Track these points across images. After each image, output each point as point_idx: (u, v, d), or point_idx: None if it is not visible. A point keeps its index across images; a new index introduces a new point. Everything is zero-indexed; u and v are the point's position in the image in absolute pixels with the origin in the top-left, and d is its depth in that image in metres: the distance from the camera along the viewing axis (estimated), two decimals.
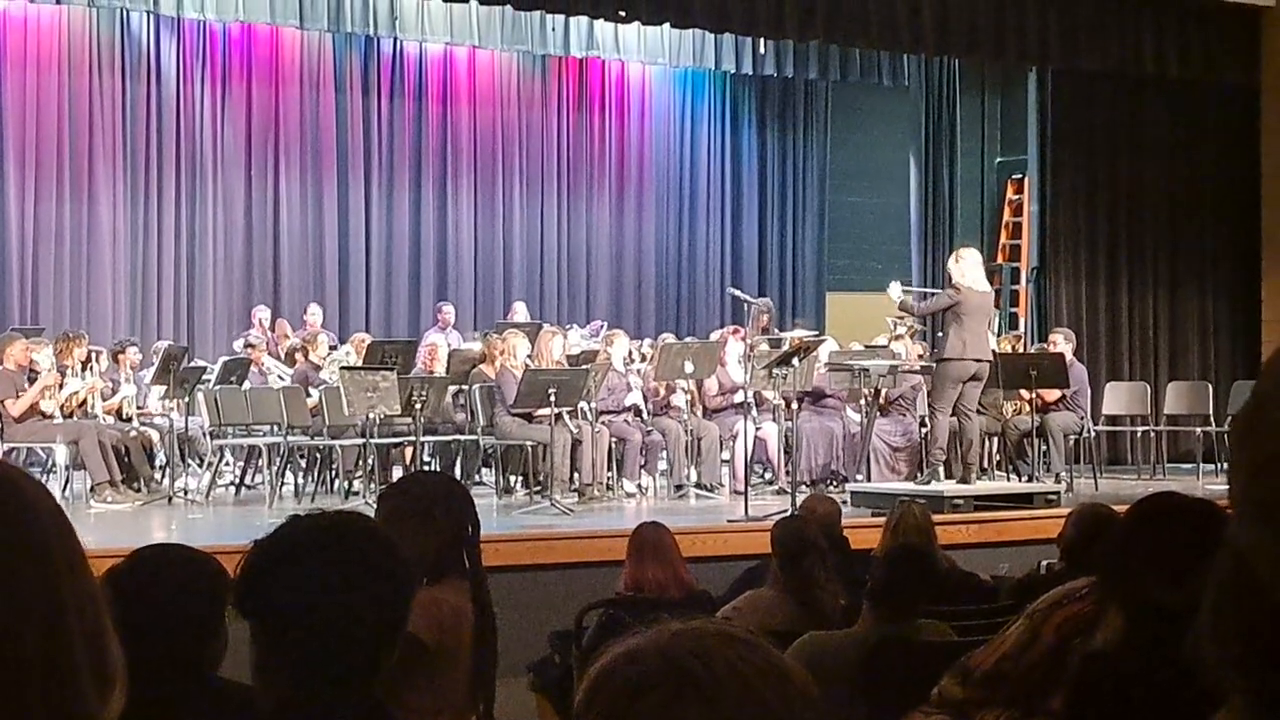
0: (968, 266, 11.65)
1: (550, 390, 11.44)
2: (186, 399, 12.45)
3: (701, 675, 1.26)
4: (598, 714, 1.29)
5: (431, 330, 15.93)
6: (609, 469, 12.33)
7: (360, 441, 11.78)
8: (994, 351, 13.35)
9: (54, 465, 11.71)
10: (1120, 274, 16.01)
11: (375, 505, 3.96)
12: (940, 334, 12.36)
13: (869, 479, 12.34)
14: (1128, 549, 2.85)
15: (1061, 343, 13.59)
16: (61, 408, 11.92)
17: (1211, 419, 14.19)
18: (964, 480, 11.65)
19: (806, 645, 4.77)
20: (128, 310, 16.43)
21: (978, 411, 12.70)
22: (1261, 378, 1.03)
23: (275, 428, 12.40)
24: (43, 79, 16.07)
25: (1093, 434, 13.78)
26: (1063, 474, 13.00)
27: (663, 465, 12.82)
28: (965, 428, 11.64)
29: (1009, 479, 13.10)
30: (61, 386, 11.96)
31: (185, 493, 12.05)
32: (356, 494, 11.88)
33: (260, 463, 12.70)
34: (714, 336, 14.37)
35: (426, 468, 12.87)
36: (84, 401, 12.13)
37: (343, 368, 12.21)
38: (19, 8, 15.69)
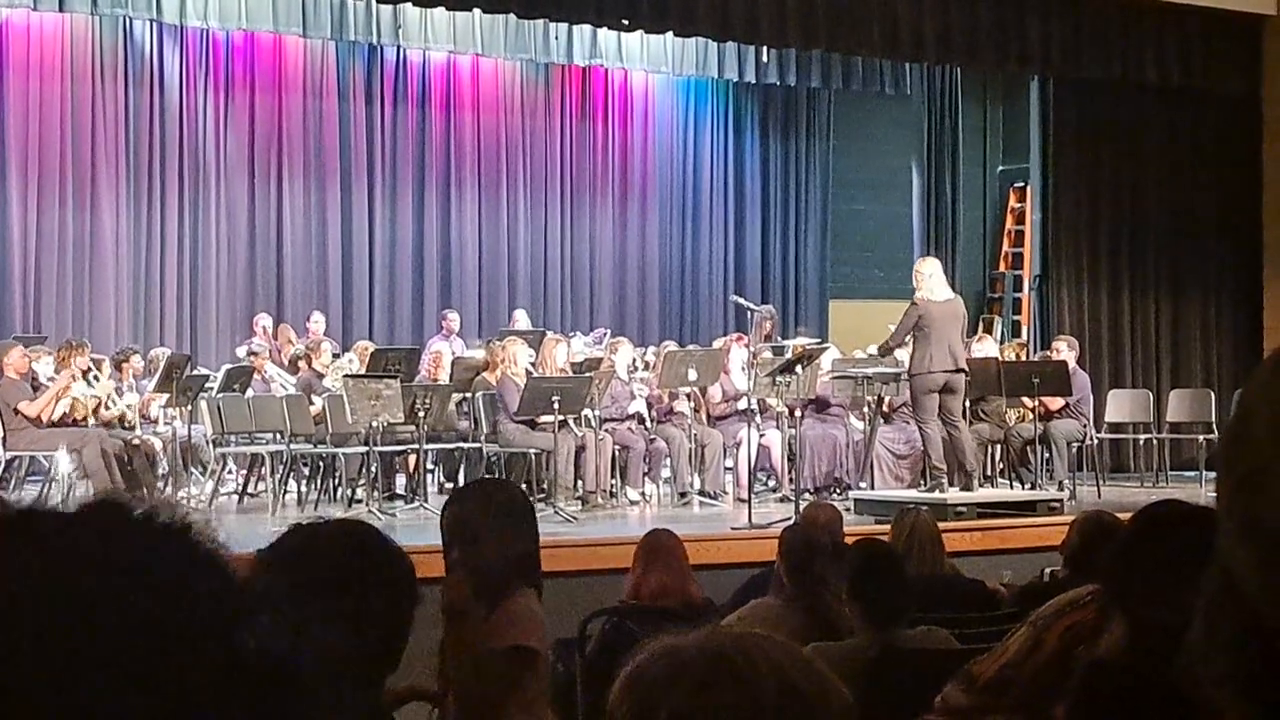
0: (926, 278, 11.59)
1: (554, 397, 11.45)
2: (189, 407, 12.46)
3: (740, 663, 1.27)
4: (633, 703, 1.29)
5: (436, 338, 15.94)
6: (613, 476, 12.33)
7: (364, 449, 11.78)
8: (997, 360, 13.38)
9: (57, 474, 11.71)
10: (1122, 281, 16.02)
11: (467, 496, 3.96)
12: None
13: (872, 486, 12.35)
14: (1131, 557, 2.85)
15: (1065, 350, 13.58)
16: (71, 411, 11.90)
17: (1214, 426, 14.18)
18: (966, 488, 11.63)
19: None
20: (130, 318, 16.43)
21: (980, 418, 12.72)
22: (1245, 393, 1.03)
23: (278, 435, 12.41)
24: (46, 87, 16.08)
25: (1095, 441, 13.78)
26: (1066, 481, 12.98)
27: (666, 473, 12.82)
28: (954, 438, 11.57)
29: (1012, 487, 13.09)
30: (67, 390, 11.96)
31: (188, 501, 12.06)
32: (359, 502, 11.88)
33: (263, 471, 12.70)
34: (717, 344, 14.37)
35: (430, 475, 12.89)
36: (96, 408, 12.14)
37: (346, 375, 12.22)
38: (22, 15, 15.70)
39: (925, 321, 11.35)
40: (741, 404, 12.88)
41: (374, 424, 11.37)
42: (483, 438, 12.39)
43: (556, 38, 16.81)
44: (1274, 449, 0.97)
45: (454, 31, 16.48)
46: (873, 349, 12.56)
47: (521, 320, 16.57)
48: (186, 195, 16.71)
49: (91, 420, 12.03)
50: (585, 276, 18.82)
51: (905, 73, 18.02)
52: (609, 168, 18.95)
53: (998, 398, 12.97)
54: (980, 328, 17.08)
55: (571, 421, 11.94)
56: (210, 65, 16.82)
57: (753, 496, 11.56)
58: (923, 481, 12.02)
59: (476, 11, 14.45)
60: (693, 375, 12.44)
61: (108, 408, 12.36)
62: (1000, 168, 18.53)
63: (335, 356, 14.06)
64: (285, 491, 12.39)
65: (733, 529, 10.58)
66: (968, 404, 12.27)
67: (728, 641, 1.30)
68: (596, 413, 12.29)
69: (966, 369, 11.66)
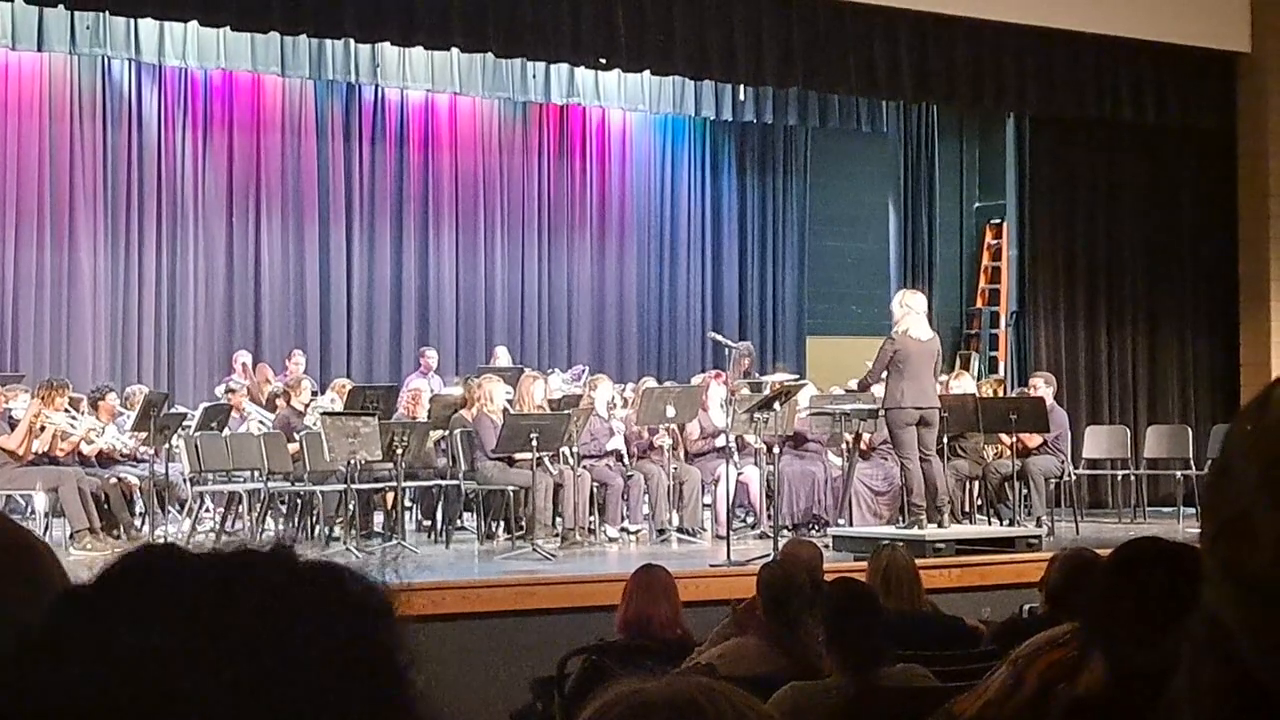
0: (911, 312, 11.59)
1: (532, 435, 11.44)
2: (167, 445, 12.41)
3: (705, 707, 1.28)
4: None
5: (414, 375, 15.92)
6: (591, 514, 12.31)
7: (341, 487, 11.74)
8: (974, 396, 13.42)
9: (33, 512, 11.66)
10: (1099, 318, 16.07)
11: None
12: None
13: (850, 523, 12.34)
14: (1110, 595, 2.85)
15: (1042, 386, 13.61)
16: (52, 447, 11.85)
17: (1191, 462, 14.22)
18: (938, 524, 11.58)
19: (789, 695, 4.74)
20: (108, 357, 16.38)
21: (958, 454, 12.73)
22: (1227, 437, 1.04)
23: (256, 473, 12.36)
24: (24, 126, 16.06)
25: (1073, 477, 13.80)
26: (1044, 518, 13.00)
27: (645, 509, 12.80)
28: (926, 472, 11.57)
29: (990, 523, 13.10)
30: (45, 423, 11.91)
31: (165, 539, 11.97)
32: (337, 540, 11.84)
33: (241, 509, 12.66)
34: (696, 381, 14.38)
35: (408, 512, 12.85)
36: (76, 445, 12.10)
37: (324, 413, 12.18)
38: None
39: (901, 358, 11.37)
40: (720, 440, 12.88)
41: (352, 462, 11.34)
42: (461, 475, 12.37)
43: (534, 76, 16.83)
44: (1255, 496, 0.97)
45: (432, 70, 16.50)
46: (853, 384, 12.59)
47: (502, 357, 16.56)
48: (165, 234, 16.68)
49: (73, 453, 12.01)
50: (563, 314, 18.83)
51: (882, 110, 18.09)
52: (587, 205, 18.98)
53: (975, 434, 12.99)
54: (957, 364, 17.11)
55: (549, 459, 11.93)
56: (189, 104, 16.82)
57: (731, 533, 11.56)
58: (901, 518, 12.02)
59: (454, 50, 14.48)
60: (671, 412, 12.44)
61: (90, 441, 12.32)
62: (976, 204, 18.60)
63: (314, 394, 14.02)
64: (263, 530, 12.33)
65: (711, 566, 10.57)
66: (945, 440, 12.27)
67: (693, 686, 1.30)
68: (575, 450, 12.28)
69: (939, 405, 11.69)
